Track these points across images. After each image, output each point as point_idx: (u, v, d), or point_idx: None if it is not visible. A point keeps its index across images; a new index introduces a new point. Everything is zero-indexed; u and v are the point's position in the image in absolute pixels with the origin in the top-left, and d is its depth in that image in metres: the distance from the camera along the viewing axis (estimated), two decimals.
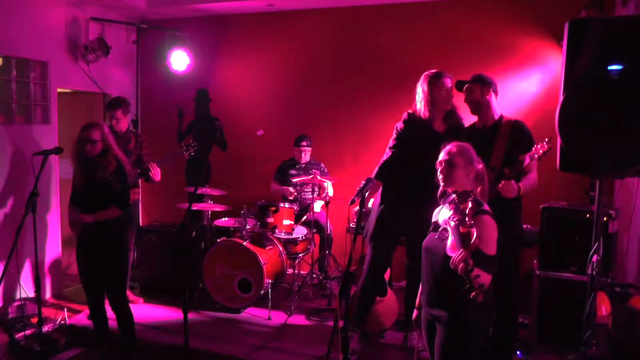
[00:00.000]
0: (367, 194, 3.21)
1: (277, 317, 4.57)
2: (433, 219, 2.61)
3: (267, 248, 4.81)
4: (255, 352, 3.94)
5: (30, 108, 5.02)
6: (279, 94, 5.93)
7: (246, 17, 6.00)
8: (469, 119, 3.75)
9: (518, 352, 3.74)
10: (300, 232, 5.05)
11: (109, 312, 3.68)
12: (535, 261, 3.95)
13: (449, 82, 3.63)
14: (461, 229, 2.19)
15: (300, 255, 5.11)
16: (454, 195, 2.44)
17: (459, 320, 2.40)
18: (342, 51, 5.63)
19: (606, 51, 2.52)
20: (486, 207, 2.41)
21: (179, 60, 5.68)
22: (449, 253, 2.24)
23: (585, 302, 2.79)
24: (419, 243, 3.50)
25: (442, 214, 2.53)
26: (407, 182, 3.63)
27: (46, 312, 4.52)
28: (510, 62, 4.98)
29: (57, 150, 3.96)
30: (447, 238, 2.33)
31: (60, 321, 4.37)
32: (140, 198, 5.07)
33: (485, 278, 2.20)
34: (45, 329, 4.06)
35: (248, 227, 4.81)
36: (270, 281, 4.61)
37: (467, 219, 2.20)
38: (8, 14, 4.65)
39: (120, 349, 3.66)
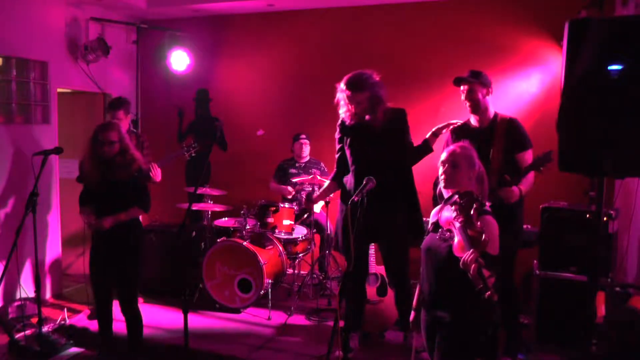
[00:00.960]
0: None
1: (277, 317, 4.56)
2: (432, 219, 2.61)
3: (267, 248, 4.81)
4: (255, 352, 3.94)
5: (30, 108, 5.02)
6: (279, 94, 5.93)
7: (246, 17, 6.00)
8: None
9: (519, 355, 3.74)
10: (300, 232, 5.05)
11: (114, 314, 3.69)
12: (535, 261, 3.95)
13: (347, 94, 3.58)
14: (469, 232, 2.17)
15: (300, 255, 5.11)
16: (456, 196, 2.43)
17: (461, 321, 2.40)
18: (342, 51, 5.63)
19: (606, 51, 2.51)
20: (487, 207, 2.41)
21: (179, 60, 5.68)
22: (457, 254, 2.22)
23: (585, 302, 2.79)
24: (392, 247, 3.50)
25: (444, 214, 2.52)
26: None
27: (46, 312, 4.52)
28: (510, 62, 4.98)
29: (57, 150, 3.96)
30: (450, 238, 2.32)
31: (60, 321, 4.37)
32: None
33: (493, 278, 2.20)
34: (45, 329, 4.06)
35: (248, 227, 4.81)
36: (270, 281, 4.61)
37: (475, 220, 2.19)
38: (8, 14, 4.65)
39: (125, 351, 3.66)
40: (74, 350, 3.95)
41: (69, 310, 4.60)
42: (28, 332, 4.04)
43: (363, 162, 3.60)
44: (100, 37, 5.43)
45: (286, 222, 4.99)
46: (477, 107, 3.59)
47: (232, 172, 6.12)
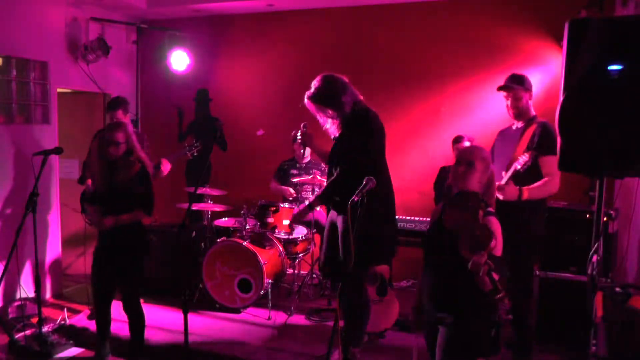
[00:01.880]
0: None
1: (277, 317, 4.56)
2: (433, 218, 2.61)
3: (267, 248, 4.81)
4: (255, 352, 3.94)
5: (30, 108, 5.02)
6: (279, 94, 5.93)
7: (246, 17, 6.01)
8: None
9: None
10: (300, 232, 5.05)
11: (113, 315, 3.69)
12: (537, 263, 3.94)
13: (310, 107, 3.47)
14: (478, 233, 2.15)
15: (300, 255, 5.11)
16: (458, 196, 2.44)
17: (464, 322, 2.40)
18: (342, 51, 5.63)
19: (606, 51, 2.51)
20: (491, 208, 2.42)
21: (179, 60, 5.68)
22: (463, 254, 2.20)
23: (585, 302, 2.79)
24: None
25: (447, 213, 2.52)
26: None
27: (46, 312, 4.52)
28: (510, 62, 4.98)
29: (57, 150, 3.96)
30: (455, 238, 2.31)
31: (60, 321, 4.37)
32: None
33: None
34: (45, 329, 4.06)
35: (248, 227, 4.81)
36: (270, 281, 4.61)
37: (482, 222, 2.18)
38: (8, 14, 4.65)
39: (124, 351, 3.66)
40: (74, 350, 3.95)
41: (69, 310, 4.60)
42: (28, 332, 4.05)
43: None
44: (100, 37, 5.43)
45: (286, 222, 4.99)
46: (522, 114, 3.56)
47: (232, 172, 6.12)
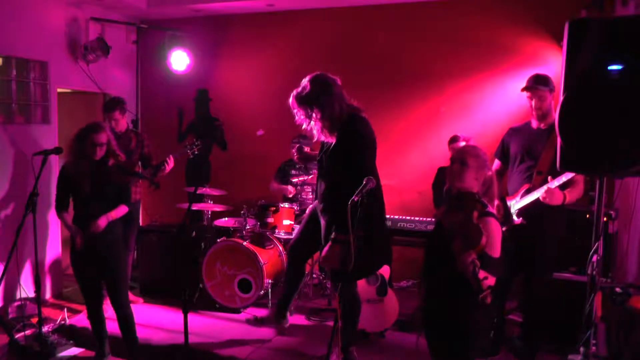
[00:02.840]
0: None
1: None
2: (437, 219, 2.61)
3: (267, 248, 4.81)
4: (255, 352, 3.94)
5: (30, 108, 5.02)
6: (279, 94, 5.88)
7: (246, 17, 6.00)
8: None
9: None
10: None
11: (109, 314, 3.69)
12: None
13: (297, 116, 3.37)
14: (468, 232, 2.15)
15: None
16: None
17: (461, 321, 2.40)
18: (342, 51, 5.63)
19: (606, 51, 2.51)
20: (491, 209, 2.41)
21: (179, 60, 5.68)
22: (455, 253, 2.21)
23: (584, 302, 2.79)
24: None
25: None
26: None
27: (46, 312, 4.52)
28: (511, 63, 4.98)
29: (57, 150, 3.95)
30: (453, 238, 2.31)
31: (60, 321, 4.37)
32: (140, 198, 5.07)
33: (490, 280, 2.20)
34: (45, 329, 4.06)
35: (248, 227, 4.81)
36: (270, 281, 4.61)
37: (475, 221, 2.18)
38: (8, 14, 4.65)
39: (123, 351, 3.66)
40: (74, 350, 3.94)
41: (69, 310, 4.60)
42: (28, 332, 4.04)
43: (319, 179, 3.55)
44: (100, 37, 5.43)
45: (286, 222, 4.99)
46: (545, 115, 3.55)
47: (232, 172, 6.12)
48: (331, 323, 3.55)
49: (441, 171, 4.90)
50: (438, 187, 4.84)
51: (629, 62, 2.45)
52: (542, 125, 3.58)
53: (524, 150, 3.58)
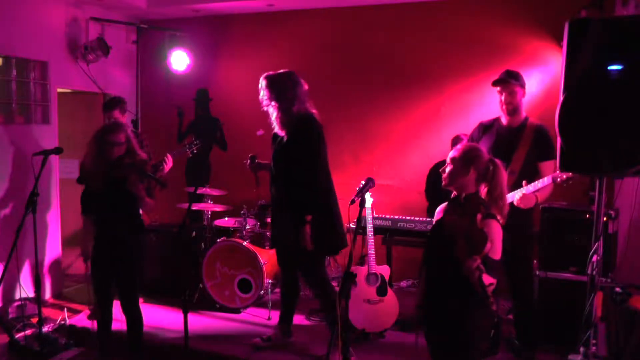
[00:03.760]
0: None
1: (277, 317, 4.55)
2: (436, 217, 2.61)
3: (267, 248, 4.81)
4: (255, 352, 3.94)
5: (30, 108, 5.02)
6: None
7: (246, 17, 6.00)
8: None
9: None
10: None
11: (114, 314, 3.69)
12: (535, 261, 3.95)
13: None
14: (473, 236, 2.13)
15: None
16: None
17: (461, 322, 2.40)
18: (342, 51, 5.63)
19: (606, 51, 2.52)
20: (492, 210, 2.39)
21: (179, 60, 5.68)
22: (459, 256, 2.19)
23: (584, 302, 2.79)
24: (290, 254, 3.79)
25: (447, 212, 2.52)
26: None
27: (46, 312, 4.52)
28: (511, 63, 4.95)
29: (57, 150, 3.96)
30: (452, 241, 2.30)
31: (60, 321, 4.37)
32: None
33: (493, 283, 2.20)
34: (45, 329, 4.06)
35: (248, 227, 4.81)
36: (270, 281, 4.61)
37: (480, 224, 2.17)
38: (8, 14, 4.65)
39: (124, 351, 3.65)
40: (74, 350, 3.94)
41: (69, 310, 4.60)
42: (28, 332, 4.05)
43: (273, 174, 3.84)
44: (100, 37, 5.43)
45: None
46: (516, 110, 3.56)
47: (232, 172, 6.11)
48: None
49: (439, 166, 4.88)
50: (431, 182, 4.79)
51: (629, 62, 2.45)
52: (512, 124, 3.58)
53: (494, 150, 3.51)
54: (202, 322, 4.52)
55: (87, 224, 3.63)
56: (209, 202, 5.05)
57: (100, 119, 5.68)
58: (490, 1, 5.11)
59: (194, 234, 5.07)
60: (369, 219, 4.20)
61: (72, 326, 4.34)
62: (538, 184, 3.34)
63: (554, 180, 3.29)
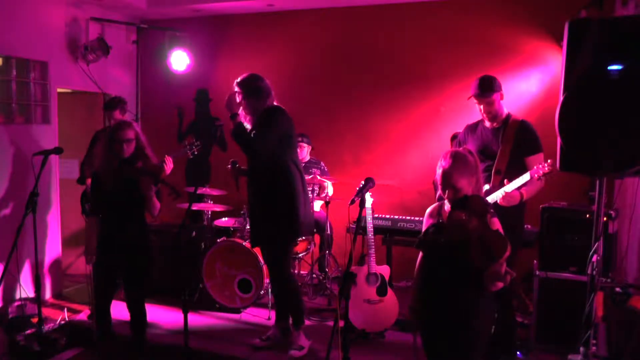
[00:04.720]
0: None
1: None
2: (430, 219, 2.60)
3: None
4: (255, 352, 3.94)
5: (30, 108, 5.02)
6: (279, 94, 5.83)
7: (246, 17, 6.01)
8: None
9: (518, 353, 3.74)
10: None
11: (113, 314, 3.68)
12: (535, 261, 3.95)
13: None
14: (490, 241, 2.12)
15: (300, 255, 5.10)
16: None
17: (465, 322, 2.40)
18: (342, 51, 5.63)
19: (606, 51, 2.52)
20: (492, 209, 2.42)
21: (179, 60, 5.68)
22: (476, 261, 2.18)
23: (584, 302, 2.79)
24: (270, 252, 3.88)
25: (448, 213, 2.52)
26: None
27: (46, 312, 4.52)
28: (511, 62, 4.98)
29: (57, 150, 3.96)
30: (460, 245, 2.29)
31: (60, 321, 4.37)
32: None
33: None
34: (45, 329, 4.05)
35: (248, 227, 4.80)
36: (270, 281, 4.60)
37: (492, 225, 2.16)
38: (8, 14, 4.65)
39: (127, 349, 3.65)
40: (74, 350, 3.94)
41: (69, 310, 4.60)
42: (28, 332, 4.04)
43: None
44: (100, 37, 5.43)
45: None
46: (497, 116, 3.56)
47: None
48: (331, 323, 3.56)
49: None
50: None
51: (629, 62, 2.45)
52: (495, 124, 3.58)
53: (479, 151, 3.53)
54: (202, 322, 4.52)
55: (91, 224, 3.61)
56: (209, 202, 5.05)
57: (100, 119, 5.69)
58: (490, 1, 5.11)
59: (194, 234, 5.07)
60: (369, 218, 4.20)
61: (72, 326, 4.34)
62: (518, 181, 3.32)
63: (531, 176, 3.28)
